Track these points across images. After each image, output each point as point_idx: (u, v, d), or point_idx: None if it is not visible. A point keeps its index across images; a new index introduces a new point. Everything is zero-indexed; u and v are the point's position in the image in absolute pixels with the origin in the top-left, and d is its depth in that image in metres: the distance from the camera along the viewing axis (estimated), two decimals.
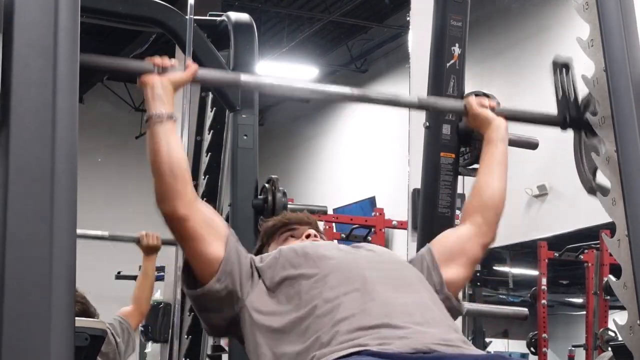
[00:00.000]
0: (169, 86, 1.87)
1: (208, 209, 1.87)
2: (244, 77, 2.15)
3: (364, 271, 1.80)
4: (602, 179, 2.22)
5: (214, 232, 1.83)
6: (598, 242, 7.11)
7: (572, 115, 2.30)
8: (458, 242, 2.03)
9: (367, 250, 1.97)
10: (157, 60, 1.89)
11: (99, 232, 3.97)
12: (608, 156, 2.16)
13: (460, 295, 2.06)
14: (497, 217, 2.08)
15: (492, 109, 2.21)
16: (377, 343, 1.61)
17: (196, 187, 3.55)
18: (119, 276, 7.63)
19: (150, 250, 3.87)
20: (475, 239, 2.04)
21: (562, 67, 2.34)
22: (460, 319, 2.54)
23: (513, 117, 2.23)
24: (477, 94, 2.55)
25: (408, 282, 1.84)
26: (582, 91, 2.29)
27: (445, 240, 2.06)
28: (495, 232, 2.08)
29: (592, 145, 2.27)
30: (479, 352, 1.69)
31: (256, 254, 2.07)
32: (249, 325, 1.79)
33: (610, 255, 2.23)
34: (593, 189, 2.29)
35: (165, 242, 3.92)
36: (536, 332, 7.18)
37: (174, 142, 1.83)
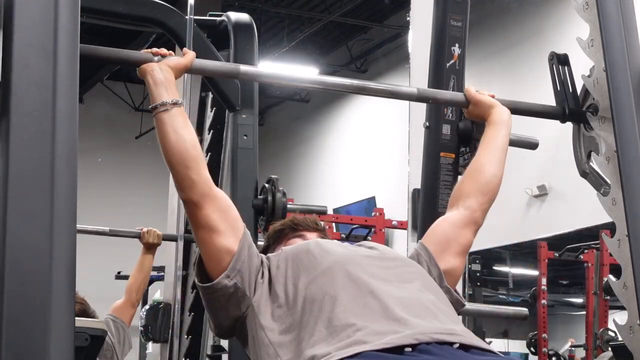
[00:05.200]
0: (169, 71, 1.86)
1: (225, 199, 1.85)
2: (243, 68, 2.12)
3: (364, 266, 1.81)
4: (596, 165, 2.24)
5: (228, 224, 1.82)
6: (598, 242, 7.11)
7: (570, 107, 2.30)
8: (451, 230, 2.02)
9: (368, 247, 1.97)
10: (155, 50, 1.90)
11: (99, 228, 4.01)
12: (608, 156, 2.16)
13: (459, 290, 2.05)
14: (490, 203, 2.06)
15: (492, 98, 2.19)
16: (377, 338, 1.60)
17: None
18: (119, 276, 7.64)
19: (150, 246, 3.90)
20: (468, 225, 2.02)
21: (559, 60, 2.34)
22: (460, 318, 2.53)
23: (512, 108, 2.20)
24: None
25: (409, 277, 1.84)
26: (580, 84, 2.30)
27: (437, 230, 2.04)
28: (484, 217, 2.05)
29: (590, 137, 2.28)
30: (481, 343, 1.68)
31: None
32: (254, 323, 1.79)
33: (610, 255, 2.23)
34: (586, 172, 2.31)
35: (166, 238, 3.93)
36: (536, 332, 7.19)
37: (183, 129, 1.80)
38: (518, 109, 2.24)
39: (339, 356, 1.58)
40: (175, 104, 1.82)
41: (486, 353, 1.65)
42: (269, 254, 1.94)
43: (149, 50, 1.90)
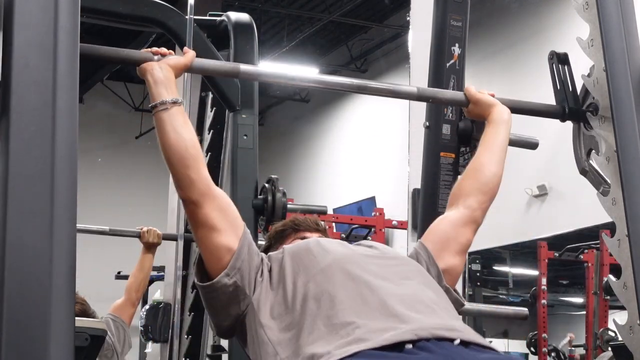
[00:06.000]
0: (169, 70, 1.86)
1: (224, 198, 1.85)
2: (243, 67, 2.12)
3: (363, 265, 1.81)
4: (596, 164, 2.24)
5: (228, 223, 1.82)
6: (598, 242, 7.11)
7: (570, 106, 2.30)
8: (451, 229, 2.02)
9: (367, 246, 1.97)
10: (155, 49, 1.90)
11: (99, 227, 4.02)
12: (608, 156, 2.16)
13: (459, 290, 2.05)
14: (490, 202, 2.06)
15: (492, 97, 2.19)
16: (377, 335, 1.60)
17: None
18: (119, 276, 7.64)
19: (150, 246, 3.90)
20: (467, 224, 2.02)
21: (559, 59, 2.34)
22: (460, 317, 2.53)
23: (512, 107, 2.20)
24: None
25: (408, 275, 1.84)
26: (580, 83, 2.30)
27: (437, 230, 2.04)
28: (484, 215, 2.05)
29: (590, 135, 2.28)
30: (481, 339, 1.67)
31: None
32: (253, 322, 1.79)
33: (610, 255, 2.23)
34: (585, 170, 2.31)
35: (166, 238, 3.93)
36: (536, 332, 7.19)
37: (182, 128, 1.80)
38: (518, 108, 2.24)
39: (339, 355, 1.57)
40: (174, 102, 1.82)
41: (486, 350, 1.65)
42: (269, 253, 1.94)
43: (149, 49, 1.90)
